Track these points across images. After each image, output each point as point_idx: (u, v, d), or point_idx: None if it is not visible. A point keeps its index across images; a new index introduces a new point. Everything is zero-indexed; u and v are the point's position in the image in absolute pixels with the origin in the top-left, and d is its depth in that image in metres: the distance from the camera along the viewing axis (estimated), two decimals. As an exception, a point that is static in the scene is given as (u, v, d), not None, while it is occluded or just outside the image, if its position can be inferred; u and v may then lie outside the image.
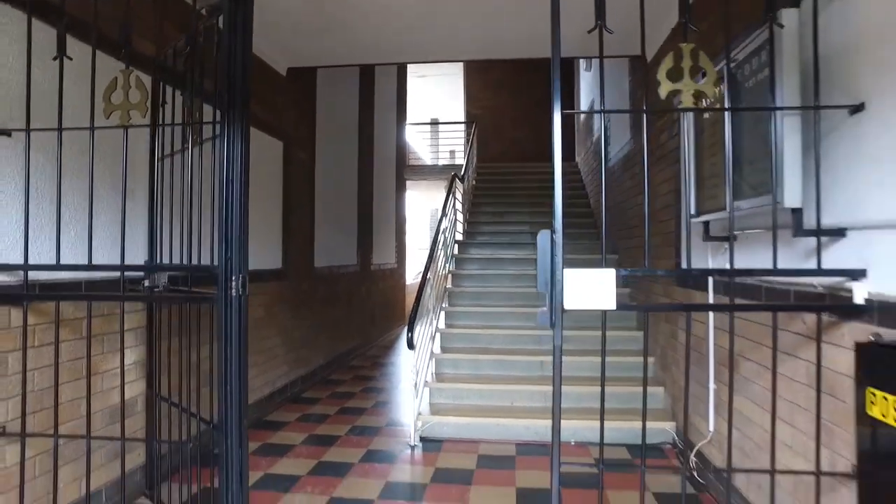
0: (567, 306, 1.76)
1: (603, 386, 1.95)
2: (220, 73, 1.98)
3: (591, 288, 1.77)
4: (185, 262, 2.27)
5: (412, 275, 12.26)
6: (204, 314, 2.29)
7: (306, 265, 5.62)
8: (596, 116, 7.94)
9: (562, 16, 1.79)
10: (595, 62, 7.54)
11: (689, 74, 1.82)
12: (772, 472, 1.83)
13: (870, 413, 1.43)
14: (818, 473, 1.80)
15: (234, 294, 1.96)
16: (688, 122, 2.93)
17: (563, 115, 1.84)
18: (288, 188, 5.02)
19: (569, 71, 10.35)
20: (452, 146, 16.78)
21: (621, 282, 2.87)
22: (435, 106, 16.33)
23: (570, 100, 10.47)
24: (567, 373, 2.95)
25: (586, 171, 9.45)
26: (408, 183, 11.41)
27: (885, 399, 1.35)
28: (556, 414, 1.81)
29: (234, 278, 1.95)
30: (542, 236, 1.80)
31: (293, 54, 4.77)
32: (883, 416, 1.36)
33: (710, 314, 3.17)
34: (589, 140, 9.03)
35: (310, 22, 4.14)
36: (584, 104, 9.63)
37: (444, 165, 12.96)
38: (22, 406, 2.11)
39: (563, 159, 1.84)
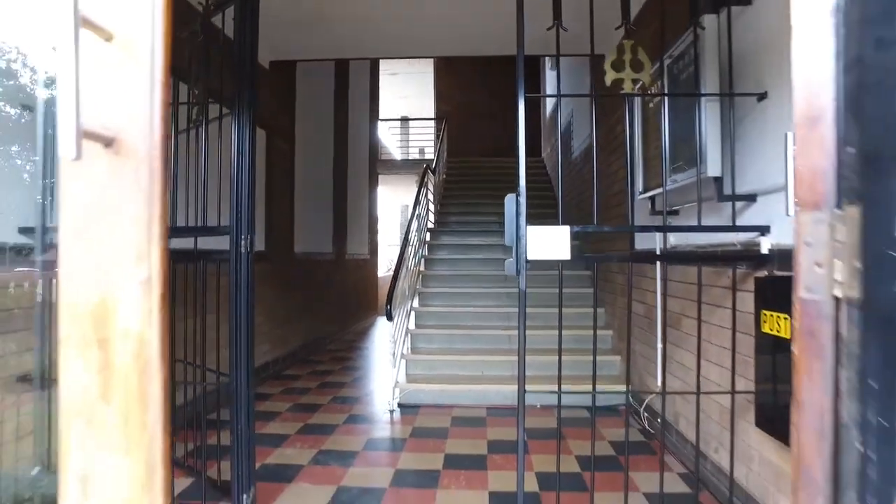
0: (530, 257, 2.12)
1: (560, 328, 2.31)
2: (230, 60, 2.27)
3: (550, 242, 2.13)
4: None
5: (383, 268, 12.56)
6: (211, 278, 2.57)
7: (287, 250, 5.87)
8: (561, 113, 8.39)
9: (527, 18, 2.14)
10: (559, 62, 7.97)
11: (630, 66, 2.20)
12: (697, 393, 2.23)
13: (763, 330, 1.83)
14: (732, 392, 2.20)
15: (242, 251, 2.25)
16: (636, 113, 3.34)
17: (527, 101, 2.19)
18: (270, 175, 5.27)
19: (535, 71, 10.79)
20: (422, 143, 17.12)
21: (576, 251, 3.25)
22: (405, 103, 16.62)
23: (536, 87, 10.92)
24: (533, 345, 3.33)
25: (551, 166, 9.90)
26: (379, 178, 11.68)
27: (773, 316, 1.74)
28: (521, 350, 2.17)
29: (243, 237, 2.25)
30: (509, 199, 2.14)
31: (275, 48, 5.02)
32: (771, 329, 1.76)
33: (658, 288, 3.58)
34: (554, 136, 9.48)
35: (290, 16, 4.41)
36: (548, 101, 10.10)
37: (415, 160, 13.27)
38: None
39: (529, 154, 2.20)
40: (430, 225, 7.64)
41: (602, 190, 4.82)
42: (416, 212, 5.97)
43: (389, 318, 4.18)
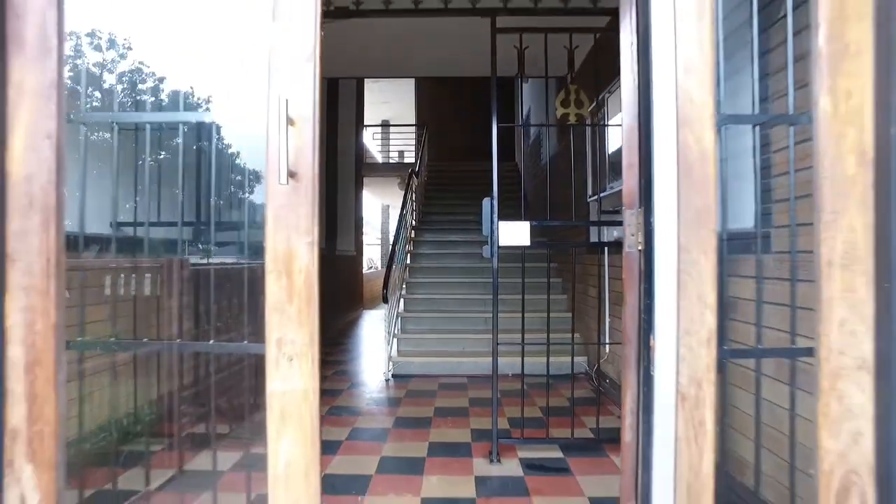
0: (501, 244, 2.88)
1: (523, 300, 3.08)
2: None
3: (515, 233, 2.90)
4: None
5: (365, 266, 13.24)
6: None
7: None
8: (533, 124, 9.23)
9: (503, 43, 2.87)
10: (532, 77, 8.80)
11: (574, 104, 2.98)
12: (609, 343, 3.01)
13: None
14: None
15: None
16: (588, 134, 4.13)
17: (501, 121, 2.95)
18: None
19: (511, 79, 11.57)
20: (402, 146, 17.81)
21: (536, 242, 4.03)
22: (387, 107, 17.27)
23: (510, 105, 11.72)
24: (505, 326, 4.08)
25: (524, 170, 10.72)
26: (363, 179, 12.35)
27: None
28: (495, 317, 2.92)
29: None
30: (485, 202, 2.90)
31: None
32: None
33: (606, 274, 4.38)
34: (526, 143, 10.30)
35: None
36: (523, 111, 10.91)
37: (395, 163, 13.95)
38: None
39: (504, 159, 2.95)
40: (414, 223, 8.37)
41: (564, 192, 5.62)
42: (404, 211, 6.70)
43: (385, 301, 4.92)
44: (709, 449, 1.46)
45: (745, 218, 2.04)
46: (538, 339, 3.32)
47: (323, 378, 5.05)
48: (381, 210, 21.44)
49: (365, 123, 12.97)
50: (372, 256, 20.89)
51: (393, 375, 5.02)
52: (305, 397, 1.47)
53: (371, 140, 17.27)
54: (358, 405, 4.12)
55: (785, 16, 1.63)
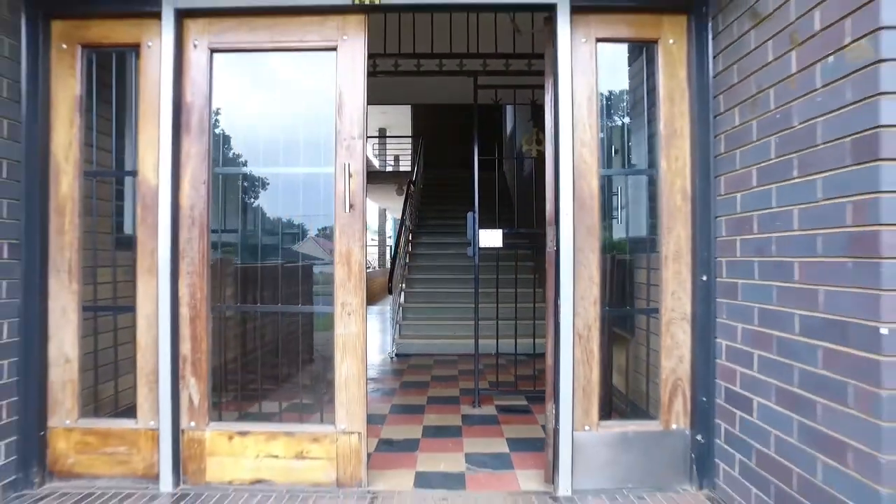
0: (480, 245, 3.88)
1: (497, 293, 4.08)
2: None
3: (492, 237, 3.90)
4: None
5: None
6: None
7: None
8: (517, 135, 10.26)
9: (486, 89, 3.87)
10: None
11: (535, 142, 3.99)
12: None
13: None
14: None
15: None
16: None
17: (486, 143, 3.96)
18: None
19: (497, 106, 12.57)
20: (398, 151, 18.81)
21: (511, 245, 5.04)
22: (384, 117, 18.25)
23: (499, 124, 12.72)
24: (486, 314, 5.09)
25: (510, 177, 11.73)
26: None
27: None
28: (476, 315, 3.92)
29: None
30: (469, 214, 3.91)
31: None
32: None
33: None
34: (513, 154, 11.31)
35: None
36: (507, 123, 11.94)
37: (391, 172, 14.92)
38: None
39: (491, 169, 3.94)
40: (412, 228, 9.36)
41: (539, 205, 6.64)
42: (404, 217, 7.71)
43: (391, 292, 5.92)
44: (595, 366, 2.47)
45: (642, 229, 3.05)
46: (511, 325, 4.30)
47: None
48: (378, 213, 22.50)
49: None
50: (370, 258, 21.90)
51: (397, 354, 6.01)
52: (358, 337, 2.47)
53: (369, 147, 18.27)
54: (370, 375, 5.11)
55: (643, 112, 2.65)
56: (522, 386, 4.31)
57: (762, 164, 2.00)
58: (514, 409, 3.90)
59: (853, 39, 1.54)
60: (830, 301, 1.64)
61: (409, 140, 15.30)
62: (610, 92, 2.72)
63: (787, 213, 1.86)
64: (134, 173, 2.53)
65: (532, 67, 3.95)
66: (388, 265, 6.57)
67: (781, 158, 1.88)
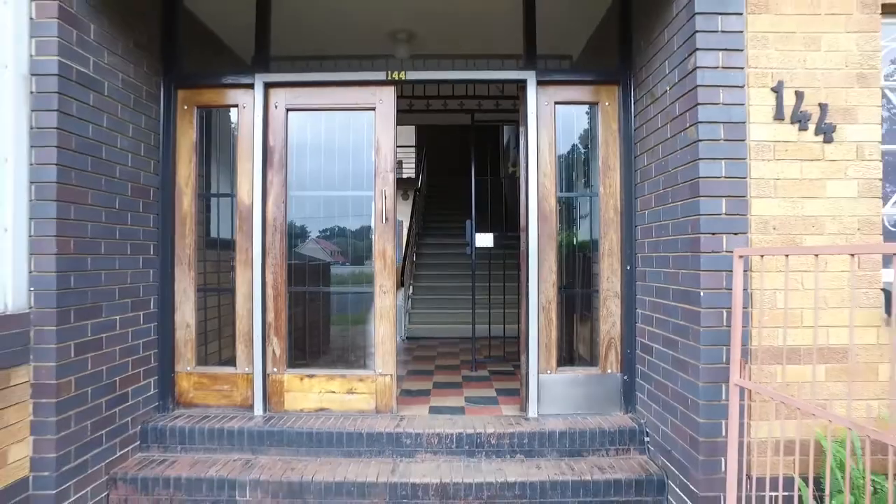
0: (477, 245, 4.96)
1: (489, 285, 5.16)
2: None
3: (485, 239, 4.98)
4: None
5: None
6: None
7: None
8: (510, 148, 11.34)
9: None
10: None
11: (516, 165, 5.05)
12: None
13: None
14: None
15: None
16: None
17: (480, 165, 5.03)
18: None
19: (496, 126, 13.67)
20: (401, 156, 19.81)
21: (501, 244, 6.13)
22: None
23: (496, 136, 13.77)
24: (482, 304, 6.17)
25: (506, 184, 12.80)
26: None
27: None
28: (473, 304, 5.00)
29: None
30: (467, 222, 4.99)
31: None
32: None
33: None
34: (508, 163, 12.38)
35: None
36: (505, 133, 13.02)
37: (398, 178, 15.92)
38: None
39: (490, 174, 5.01)
40: (417, 231, 10.44)
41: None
42: (411, 222, 8.80)
43: (401, 285, 6.99)
44: (553, 329, 3.54)
45: (588, 234, 4.10)
46: (500, 313, 5.37)
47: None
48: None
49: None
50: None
51: (407, 337, 7.08)
52: (391, 308, 3.55)
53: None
54: (386, 352, 6.17)
55: (589, 152, 3.71)
56: (510, 358, 5.38)
57: (656, 192, 3.07)
58: (503, 372, 4.97)
59: (690, 125, 2.61)
60: (684, 278, 2.71)
61: (413, 148, 16.36)
62: (566, 137, 3.76)
63: (666, 224, 2.93)
64: (232, 195, 3.61)
65: (516, 105, 5.01)
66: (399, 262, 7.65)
67: (664, 190, 2.95)
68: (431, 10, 3.94)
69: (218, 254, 3.78)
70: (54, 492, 2.57)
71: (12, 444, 2.47)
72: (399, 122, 3.62)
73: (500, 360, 5.30)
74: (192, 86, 3.58)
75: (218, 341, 3.77)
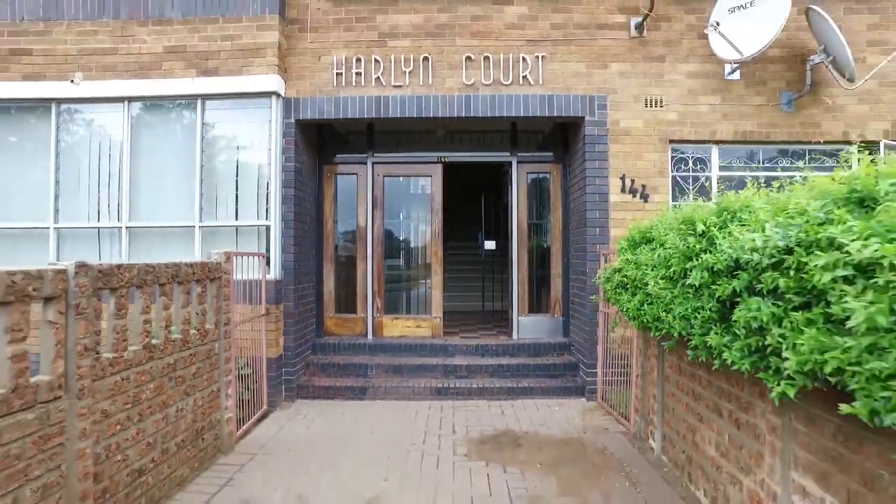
0: (485, 248, 7.93)
1: (493, 278, 8.13)
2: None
3: (490, 244, 7.95)
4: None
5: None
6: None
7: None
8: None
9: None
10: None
11: (511, 198, 8.01)
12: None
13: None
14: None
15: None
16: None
17: (486, 192, 8.00)
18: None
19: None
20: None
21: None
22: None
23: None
24: (487, 291, 9.12)
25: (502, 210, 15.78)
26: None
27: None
28: (483, 288, 7.95)
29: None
30: (479, 233, 7.96)
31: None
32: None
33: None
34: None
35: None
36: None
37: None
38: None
39: (497, 197, 7.98)
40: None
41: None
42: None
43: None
44: (525, 293, 6.51)
45: (547, 242, 7.06)
46: (499, 294, 8.31)
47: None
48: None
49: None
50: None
51: (436, 312, 10.05)
52: (440, 282, 6.54)
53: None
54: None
55: (548, 198, 6.70)
56: (504, 319, 8.33)
57: (574, 222, 6.00)
58: (500, 326, 7.92)
59: (584, 192, 5.57)
60: (583, 265, 5.66)
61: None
62: (533, 190, 6.68)
63: (577, 238, 5.87)
64: (356, 223, 6.60)
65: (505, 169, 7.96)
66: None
67: (576, 221, 5.89)
68: (461, 127, 6.91)
69: (344, 253, 6.79)
70: (294, 361, 5.58)
71: (279, 338, 5.48)
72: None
73: (499, 320, 8.26)
74: (331, 163, 6.59)
75: (345, 301, 6.77)
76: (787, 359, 1.68)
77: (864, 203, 1.59)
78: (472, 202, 11.26)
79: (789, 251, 1.66)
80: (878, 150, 5.39)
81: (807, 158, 5.56)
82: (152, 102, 5.62)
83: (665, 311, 2.78)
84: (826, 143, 5.47)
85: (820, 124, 5.43)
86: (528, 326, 6.50)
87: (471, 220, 13.71)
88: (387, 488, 3.47)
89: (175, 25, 5.50)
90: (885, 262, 1.30)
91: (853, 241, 1.38)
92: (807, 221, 1.60)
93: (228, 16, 5.47)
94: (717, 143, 5.55)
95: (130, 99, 5.56)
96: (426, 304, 6.67)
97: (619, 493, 3.40)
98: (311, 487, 3.47)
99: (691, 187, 5.64)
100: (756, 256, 1.81)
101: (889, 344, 1.31)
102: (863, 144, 5.41)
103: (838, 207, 1.58)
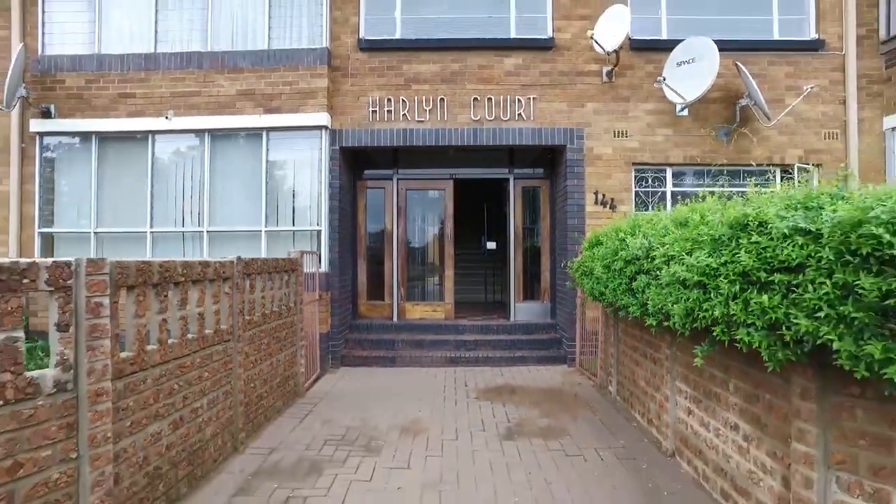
0: (488, 248, 9.42)
1: (494, 274, 9.63)
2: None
3: (491, 245, 9.44)
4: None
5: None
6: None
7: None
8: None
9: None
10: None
11: (510, 205, 9.50)
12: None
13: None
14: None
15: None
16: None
17: (488, 200, 9.49)
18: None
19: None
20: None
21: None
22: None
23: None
24: (489, 284, 10.61)
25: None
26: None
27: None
28: (485, 283, 9.44)
29: (423, 244, 9.53)
30: (482, 235, 9.45)
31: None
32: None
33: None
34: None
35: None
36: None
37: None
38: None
39: (499, 208, 9.47)
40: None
41: (519, 224, 12.19)
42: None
43: (443, 271, 11.51)
44: (521, 283, 8.00)
45: (538, 243, 8.54)
46: (499, 287, 9.80)
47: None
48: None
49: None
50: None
51: (445, 303, 11.56)
52: (452, 275, 8.03)
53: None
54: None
55: (538, 206, 8.19)
56: (504, 306, 9.83)
57: (559, 226, 7.48)
58: (502, 311, 9.41)
59: (566, 203, 7.06)
60: (571, 261, 7.15)
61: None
62: (526, 200, 8.14)
63: (560, 239, 7.36)
64: (384, 226, 8.10)
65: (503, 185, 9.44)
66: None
67: (560, 226, 7.37)
68: (469, 150, 8.39)
69: (373, 252, 8.27)
70: (338, 337, 7.08)
71: (328, 318, 6.98)
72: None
73: (499, 307, 9.75)
74: (363, 179, 8.08)
75: (375, 290, 8.26)
76: (648, 304, 3.18)
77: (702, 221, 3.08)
78: (477, 210, 12.68)
79: (650, 250, 3.14)
80: (792, 171, 6.87)
81: (741, 176, 7.03)
82: (227, 133, 7.11)
83: (604, 287, 4.26)
84: (757, 165, 6.94)
85: (750, 151, 6.91)
86: (522, 310, 7.99)
87: (476, 225, 15.31)
88: (421, 416, 4.95)
89: (245, 73, 6.99)
90: (656, 253, 2.79)
91: (636, 241, 2.87)
92: (654, 234, 3.08)
93: (288, 66, 6.95)
94: (670, 165, 7.03)
95: (210, 131, 7.05)
96: (440, 293, 8.17)
97: (583, 417, 4.89)
98: (370, 415, 4.97)
99: (650, 200, 7.11)
100: (640, 253, 3.29)
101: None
102: (783, 166, 6.90)
103: (674, 225, 3.06)
